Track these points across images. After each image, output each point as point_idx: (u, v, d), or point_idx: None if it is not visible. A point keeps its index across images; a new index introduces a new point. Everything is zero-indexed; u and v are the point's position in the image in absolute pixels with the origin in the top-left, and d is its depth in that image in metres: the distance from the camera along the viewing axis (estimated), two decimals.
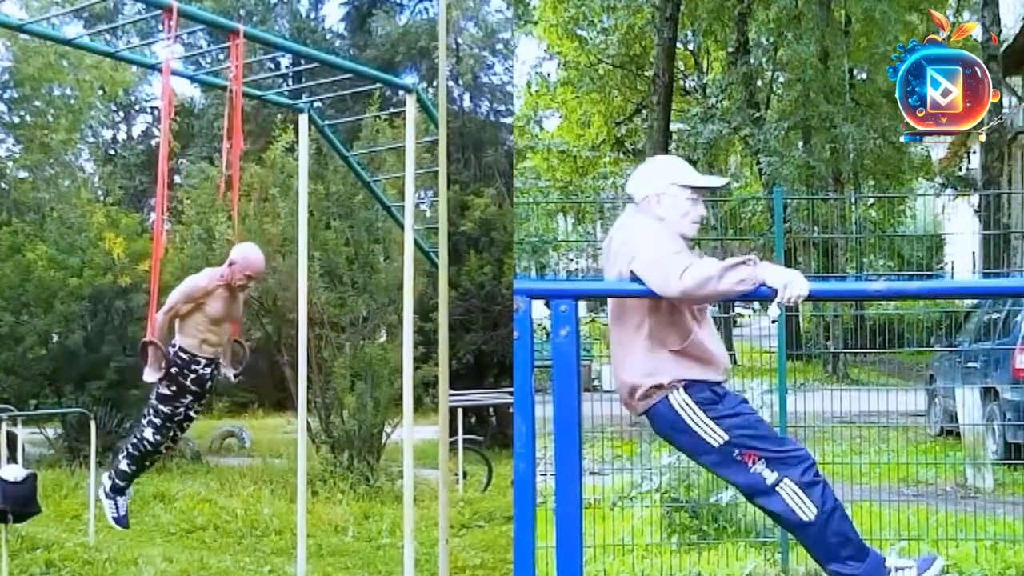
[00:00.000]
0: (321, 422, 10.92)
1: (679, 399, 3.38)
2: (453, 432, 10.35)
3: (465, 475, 10.82)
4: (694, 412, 3.37)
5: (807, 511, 3.32)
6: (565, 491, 2.92)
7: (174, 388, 5.13)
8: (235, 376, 5.55)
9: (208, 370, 5.26)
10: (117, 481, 5.41)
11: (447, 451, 5.28)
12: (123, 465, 5.37)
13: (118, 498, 5.46)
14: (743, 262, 3.14)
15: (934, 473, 8.20)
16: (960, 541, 6.21)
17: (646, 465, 6.64)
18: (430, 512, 8.24)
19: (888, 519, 6.37)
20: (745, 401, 3.49)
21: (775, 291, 3.14)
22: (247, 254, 5.30)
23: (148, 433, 5.23)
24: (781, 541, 6.00)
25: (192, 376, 5.18)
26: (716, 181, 3.73)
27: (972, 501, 7.43)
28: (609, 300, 3.56)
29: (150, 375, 5.05)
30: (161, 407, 5.18)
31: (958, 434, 9.13)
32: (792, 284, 3.10)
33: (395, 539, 8.05)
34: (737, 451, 3.35)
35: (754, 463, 3.34)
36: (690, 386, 3.38)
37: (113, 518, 5.52)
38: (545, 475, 5.04)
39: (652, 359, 3.40)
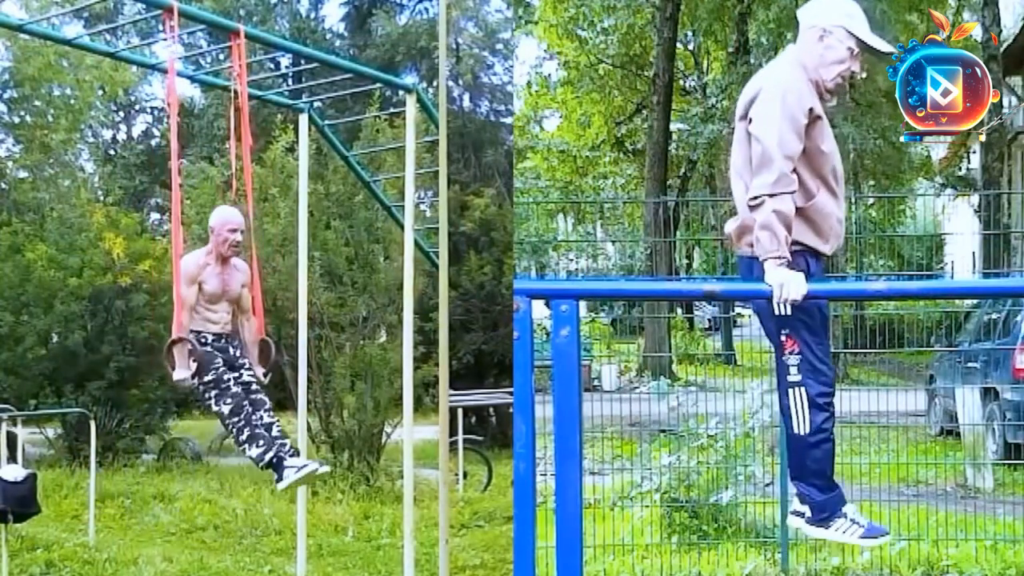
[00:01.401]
0: (321, 422, 10.92)
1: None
2: (453, 432, 10.36)
3: (465, 475, 10.82)
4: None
5: (802, 426, 3.45)
6: (565, 491, 2.92)
7: (197, 359, 5.00)
8: (265, 375, 5.48)
9: (220, 343, 5.20)
10: (268, 463, 5.04)
11: (447, 451, 5.28)
12: (251, 452, 5.03)
13: (285, 471, 5.01)
14: (782, 242, 3.21)
15: (934, 473, 8.20)
16: (960, 541, 6.21)
17: (646, 465, 6.64)
18: (430, 512, 8.24)
19: (888, 519, 6.36)
20: (826, 302, 3.53)
21: (770, 289, 3.19)
22: (221, 213, 5.29)
23: (221, 408, 5.04)
24: (781, 541, 6.00)
25: (206, 345, 5.13)
26: (884, 46, 3.68)
27: (972, 501, 7.43)
28: (737, 134, 3.56)
29: (180, 374, 4.93)
30: (204, 378, 4.99)
31: (958, 434, 9.13)
32: (787, 285, 3.12)
33: (395, 539, 8.06)
34: (787, 331, 3.42)
35: (791, 352, 3.44)
36: (794, 254, 3.35)
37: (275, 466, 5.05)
38: (545, 475, 5.04)
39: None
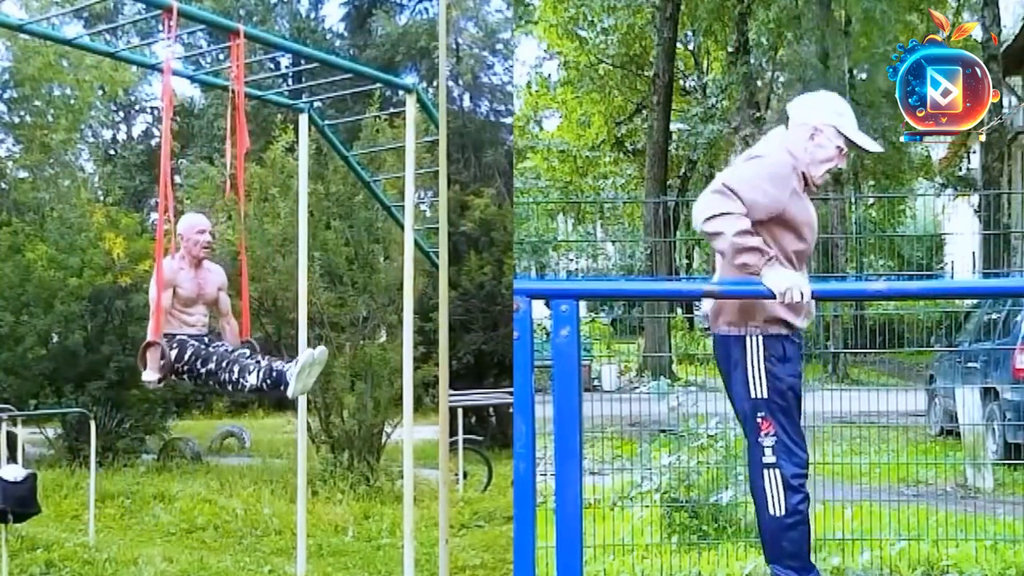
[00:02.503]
0: (321, 422, 10.92)
1: (753, 342, 3.47)
2: (453, 432, 10.35)
3: (465, 475, 10.82)
4: (758, 358, 3.47)
5: (778, 507, 3.47)
6: (565, 491, 2.92)
7: (174, 344, 5.09)
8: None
9: (194, 338, 5.24)
10: (266, 380, 5.02)
11: (447, 451, 5.28)
12: (249, 380, 5.03)
13: (287, 375, 4.96)
14: (759, 250, 3.17)
15: (934, 473, 8.19)
16: (960, 541, 6.20)
17: (646, 465, 6.63)
18: (430, 512, 8.24)
19: (888, 519, 6.36)
20: (800, 376, 3.60)
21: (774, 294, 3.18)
22: (187, 219, 5.42)
23: (210, 366, 5.09)
24: None
25: (180, 339, 5.17)
26: (872, 145, 3.77)
27: (972, 501, 7.42)
28: None
29: (150, 375, 5.04)
30: (184, 356, 5.08)
31: (958, 434, 9.13)
32: (792, 290, 3.12)
33: (395, 539, 8.05)
34: (762, 414, 3.46)
35: (766, 434, 3.47)
36: (769, 337, 3.46)
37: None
38: (545, 475, 5.03)
39: None
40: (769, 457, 3.44)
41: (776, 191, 3.39)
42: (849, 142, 3.56)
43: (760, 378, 3.45)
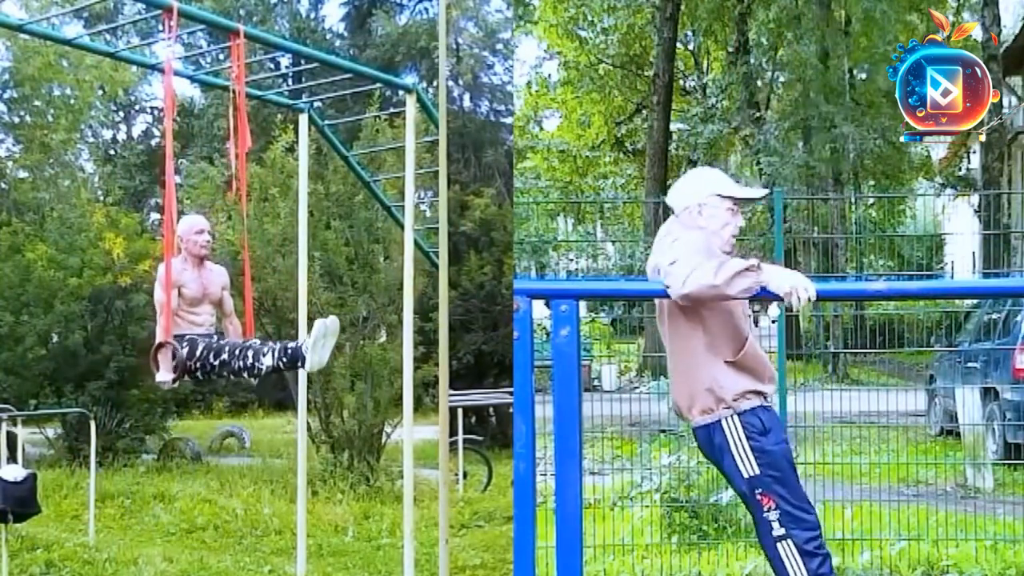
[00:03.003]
0: (321, 422, 10.92)
1: (730, 424, 3.48)
2: (453, 432, 10.35)
3: (465, 475, 10.82)
4: (740, 438, 3.48)
5: (799, 574, 3.45)
6: (565, 491, 2.92)
7: (186, 342, 5.09)
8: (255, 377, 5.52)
9: (200, 340, 5.26)
10: (280, 361, 5.05)
11: (447, 451, 5.28)
12: (265, 362, 5.03)
13: (302, 351, 5.01)
14: (748, 268, 3.17)
15: (934, 473, 8.20)
16: (960, 541, 6.20)
17: (646, 465, 6.64)
18: (430, 512, 8.24)
19: (888, 519, 6.37)
20: (786, 441, 3.58)
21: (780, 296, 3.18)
22: (186, 221, 5.44)
23: (223, 358, 5.09)
24: None
25: (190, 338, 5.17)
26: (756, 192, 3.85)
27: (972, 501, 7.42)
28: (661, 310, 3.61)
29: (164, 376, 5.03)
30: (195, 351, 5.07)
31: (958, 434, 9.12)
32: (798, 289, 3.12)
33: (395, 539, 8.05)
34: (760, 490, 3.46)
35: (769, 509, 3.47)
36: (744, 413, 3.48)
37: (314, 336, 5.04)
38: (545, 475, 5.04)
39: (712, 371, 3.49)
40: (778, 530, 3.44)
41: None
42: (735, 200, 3.61)
43: (748, 457, 3.46)
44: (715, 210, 3.58)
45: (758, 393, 3.51)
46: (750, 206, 3.92)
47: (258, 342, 5.21)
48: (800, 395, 6.56)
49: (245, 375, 5.18)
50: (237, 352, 5.09)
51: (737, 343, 3.49)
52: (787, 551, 3.44)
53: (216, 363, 5.11)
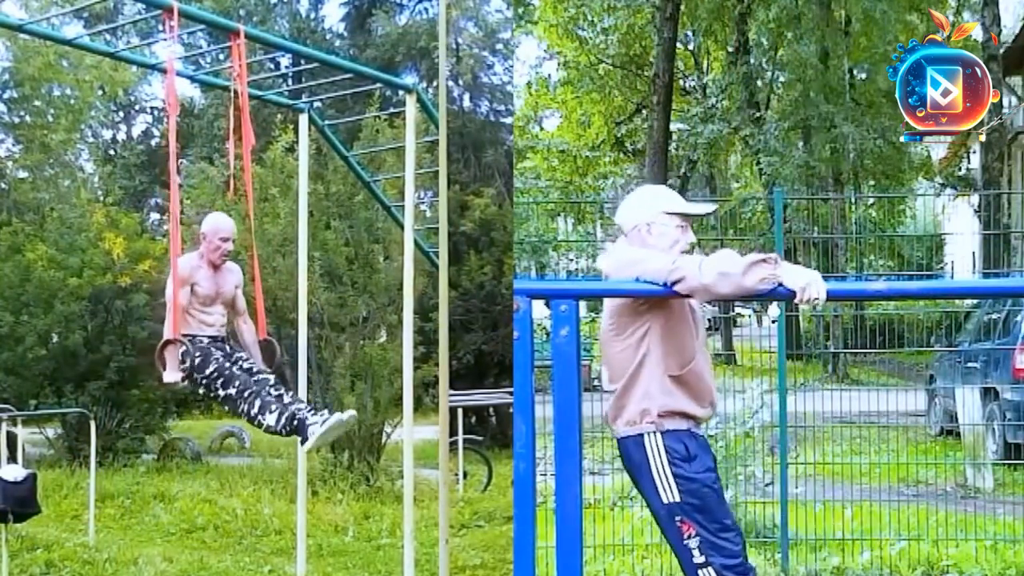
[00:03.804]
0: None
1: (653, 443, 3.37)
2: (453, 432, 10.35)
3: (465, 475, 10.82)
4: (661, 460, 3.37)
5: None
6: (565, 491, 2.92)
7: (198, 354, 5.02)
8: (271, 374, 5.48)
9: (217, 343, 5.22)
10: (284, 428, 4.99)
11: (447, 451, 5.28)
12: (267, 420, 4.96)
13: (309, 428, 4.91)
14: (764, 260, 3.12)
15: (934, 473, 8.20)
16: (960, 541, 6.21)
17: None
18: (430, 512, 8.24)
19: (888, 519, 6.37)
20: (713, 469, 3.44)
21: (793, 292, 3.10)
22: (213, 221, 5.33)
23: (230, 392, 5.01)
24: (781, 541, 6.00)
25: (202, 344, 5.13)
26: (704, 208, 3.73)
27: (972, 501, 7.43)
28: (607, 313, 3.53)
29: (171, 375, 4.96)
30: (206, 371, 5.01)
31: (958, 434, 9.13)
32: (811, 286, 3.07)
33: (395, 539, 8.05)
34: (680, 517, 3.36)
35: (689, 536, 3.36)
36: (668, 434, 3.37)
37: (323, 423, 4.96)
38: (545, 475, 5.04)
39: (649, 383, 3.39)
40: (699, 557, 3.34)
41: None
42: (684, 216, 3.54)
43: (668, 482, 3.35)
44: (664, 228, 3.49)
45: (689, 417, 3.40)
46: (697, 221, 3.83)
47: (269, 385, 5.09)
48: (800, 395, 6.56)
49: (243, 420, 5.12)
50: (246, 394, 4.98)
51: (683, 358, 3.39)
52: None
53: (223, 394, 5.03)
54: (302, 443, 4.96)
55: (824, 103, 19.16)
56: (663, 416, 3.37)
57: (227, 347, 5.28)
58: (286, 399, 5.06)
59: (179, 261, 5.13)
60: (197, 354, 5.02)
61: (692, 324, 3.47)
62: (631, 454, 3.42)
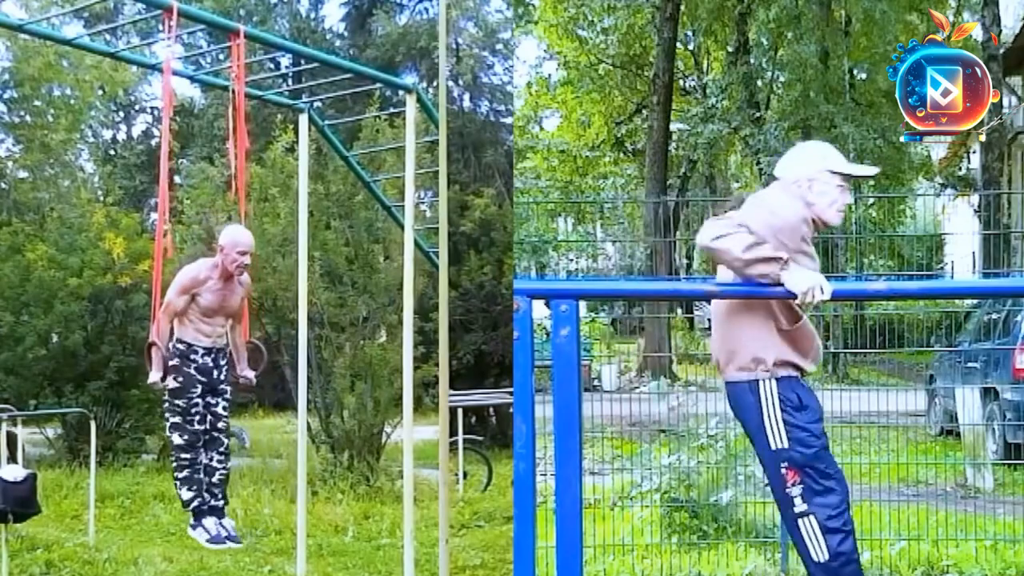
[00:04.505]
0: (321, 422, 10.92)
1: (767, 389, 3.42)
2: (453, 432, 10.35)
3: (465, 475, 10.82)
4: (773, 408, 3.41)
5: (820, 553, 3.39)
6: (565, 491, 2.92)
7: (180, 379, 5.13)
8: (255, 378, 5.50)
9: (209, 359, 5.23)
10: (193, 509, 5.32)
11: (447, 451, 5.28)
12: (182, 493, 5.30)
13: (204, 521, 5.30)
14: (775, 259, 3.17)
15: (934, 473, 8.20)
16: (960, 541, 6.20)
17: (646, 465, 6.64)
18: (430, 512, 8.23)
19: (888, 519, 6.37)
20: (821, 420, 3.50)
21: (794, 295, 3.17)
22: (233, 234, 5.28)
23: (175, 438, 5.23)
24: (781, 541, 6.00)
25: (193, 366, 5.17)
26: (869, 170, 3.80)
27: (972, 501, 7.43)
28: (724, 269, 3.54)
29: (153, 376, 5.01)
30: (175, 401, 5.16)
31: (958, 434, 9.13)
32: (814, 289, 3.12)
33: (395, 539, 8.05)
34: (785, 464, 3.40)
35: (793, 484, 3.40)
36: (783, 380, 3.43)
37: (208, 541, 5.38)
38: (545, 475, 5.04)
39: (761, 333, 3.44)
40: (800, 506, 3.38)
41: (786, 239, 3.35)
42: (846, 176, 3.58)
43: (779, 429, 3.39)
44: (826, 186, 3.54)
45: (798, 367, 3.47)
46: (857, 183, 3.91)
47: (211, 463, 5.35)
48: None
49: (174, 466, 5.35)
50: (182, 455, 5.24)
51: (795, 315, 3.46)
52: (808, 529, 3.38)
53: (168, 434, 5.27)
54: (190, 525, 5.33)
55: (824, 103, 19.17)
56: (777, 365, 3.43)
57: (216, 370, 5.30)
58: (215, 478, 5.34)
59: (189, 268, 5.15)
60: (180, 379, 5.12)
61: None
62: (742, 399, 3.47)
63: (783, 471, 3.40)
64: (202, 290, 5.16)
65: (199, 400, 5.20)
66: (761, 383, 3.43)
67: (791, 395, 3.42)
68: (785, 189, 3.59)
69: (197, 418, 5.20)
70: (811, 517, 3.37)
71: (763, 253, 3.17)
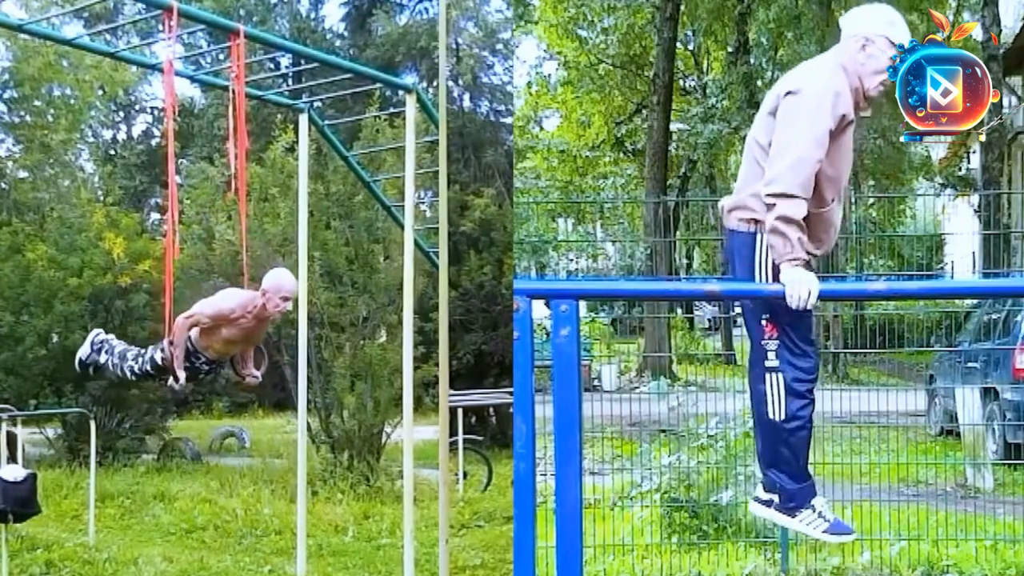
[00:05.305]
0: (321, 422, 10.92)
1: (765, 243, 3.33)
2: (453, 432, 10.35)
3: (465, 475, 10.82)
4: (768, 260, 3.33)
5: (777, 412, 3.36)
6: (565, 491, 2.92)
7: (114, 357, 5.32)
8: (256, 378, 5.48)
9: (205, 367, 5.25)
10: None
11: (447, 451, 5.28)
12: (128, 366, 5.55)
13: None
14: (793, 248, 3.15)
15: (934, 473, 8.20)
16: (960, 541, 6.21)
17: (646, 465, 6.64)
18: (430, 512, 8.24)
19: (888, 519, 6.37)
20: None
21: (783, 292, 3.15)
22: (278, 280, 5.11)
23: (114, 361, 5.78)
24: (781, 541, 6.00)
25: (189, 364, 5.17)
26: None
27: (972, 501, 7.43)
28: (762, 122, 3.45)
29: (176, 379, 5.01)
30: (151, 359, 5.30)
31: (958, 434, 9.13)
32: (799, 284, 3.09)
33: (395, 539, 8.05)
34: (767, 316, 3.34)
35: (770, 338, 3.35)
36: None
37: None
38: (545, 475, 5.04)
39: None
40: (772, 361, 3.33)
41: (825, 137, 3.30)
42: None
43: (768, 275, 3.31)
44: (879, 52, 3.48)
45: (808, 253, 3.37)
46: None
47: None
48: None
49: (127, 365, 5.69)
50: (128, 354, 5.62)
51: (820, 200, 3.35)
52: (774, 384, 3.34)
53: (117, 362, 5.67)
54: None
55: None
56: None
57: (198, 374, 5.35)
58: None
59: (229, 296, 5.11)
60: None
61: (843, 172, 3.45)
62: (737, 246, 3.40)
63: (763, 322, 3.35)
64: (231, 324, 5.07)
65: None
66: (758, 236, 3.36)
67: None
68: (841, 45, 3.50)
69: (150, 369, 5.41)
70: (780, 375, 3.33)
71: (788, 232, 3.15)
